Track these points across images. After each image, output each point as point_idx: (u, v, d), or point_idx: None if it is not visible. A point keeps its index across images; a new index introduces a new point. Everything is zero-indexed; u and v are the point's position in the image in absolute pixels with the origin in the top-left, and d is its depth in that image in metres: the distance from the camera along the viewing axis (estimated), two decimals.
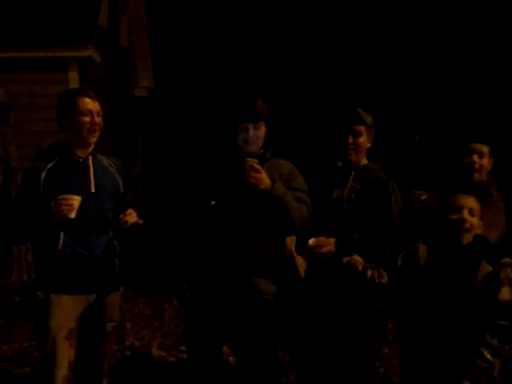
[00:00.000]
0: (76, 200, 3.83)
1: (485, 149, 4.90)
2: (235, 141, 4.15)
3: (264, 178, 3.94)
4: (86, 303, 4.02)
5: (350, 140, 4.30)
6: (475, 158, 4.88)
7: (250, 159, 3.97)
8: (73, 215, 3.82)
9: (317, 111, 16.44)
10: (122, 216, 3.97)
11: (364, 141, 4.34)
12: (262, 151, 4.16)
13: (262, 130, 4.11)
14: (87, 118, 4.02)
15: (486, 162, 4.90)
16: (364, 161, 4.39)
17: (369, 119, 4.38)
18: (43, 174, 3.95)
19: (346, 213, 4.22)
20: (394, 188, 4.28)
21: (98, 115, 4.08)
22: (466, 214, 3.66)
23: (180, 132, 18.23)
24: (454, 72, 17.75)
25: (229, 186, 4.09)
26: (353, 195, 4.26)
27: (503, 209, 4.82)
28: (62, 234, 3.91)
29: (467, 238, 3.68)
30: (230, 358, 5.67)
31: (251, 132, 4.07)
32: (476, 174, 4.88)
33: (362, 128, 4.33)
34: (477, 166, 4.89)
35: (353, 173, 4.34)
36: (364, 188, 4.27)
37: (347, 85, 17.54)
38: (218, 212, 4.07)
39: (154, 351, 6.44)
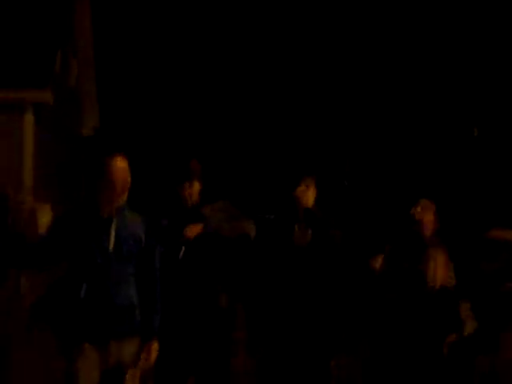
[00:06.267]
0: None
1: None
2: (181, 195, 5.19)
3: None
4: (106, 352, 4.28)
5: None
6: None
7: None
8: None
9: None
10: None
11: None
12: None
13: (197, 187, 5.20)
14: (116, 181, 4.32)
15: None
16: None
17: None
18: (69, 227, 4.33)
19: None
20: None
21: (127, 177, 4.38)
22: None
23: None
24: None
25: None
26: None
27: None
28: (84, 285, 4.26)
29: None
30: None
31: (188, 190, 5.15)
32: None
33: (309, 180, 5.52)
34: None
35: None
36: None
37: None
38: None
39: None
